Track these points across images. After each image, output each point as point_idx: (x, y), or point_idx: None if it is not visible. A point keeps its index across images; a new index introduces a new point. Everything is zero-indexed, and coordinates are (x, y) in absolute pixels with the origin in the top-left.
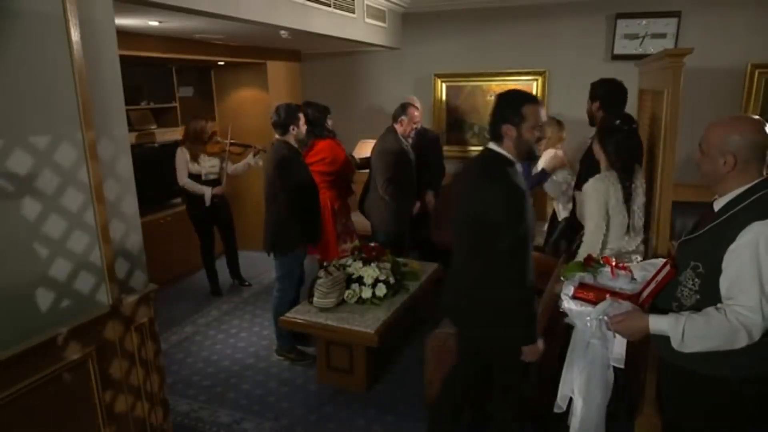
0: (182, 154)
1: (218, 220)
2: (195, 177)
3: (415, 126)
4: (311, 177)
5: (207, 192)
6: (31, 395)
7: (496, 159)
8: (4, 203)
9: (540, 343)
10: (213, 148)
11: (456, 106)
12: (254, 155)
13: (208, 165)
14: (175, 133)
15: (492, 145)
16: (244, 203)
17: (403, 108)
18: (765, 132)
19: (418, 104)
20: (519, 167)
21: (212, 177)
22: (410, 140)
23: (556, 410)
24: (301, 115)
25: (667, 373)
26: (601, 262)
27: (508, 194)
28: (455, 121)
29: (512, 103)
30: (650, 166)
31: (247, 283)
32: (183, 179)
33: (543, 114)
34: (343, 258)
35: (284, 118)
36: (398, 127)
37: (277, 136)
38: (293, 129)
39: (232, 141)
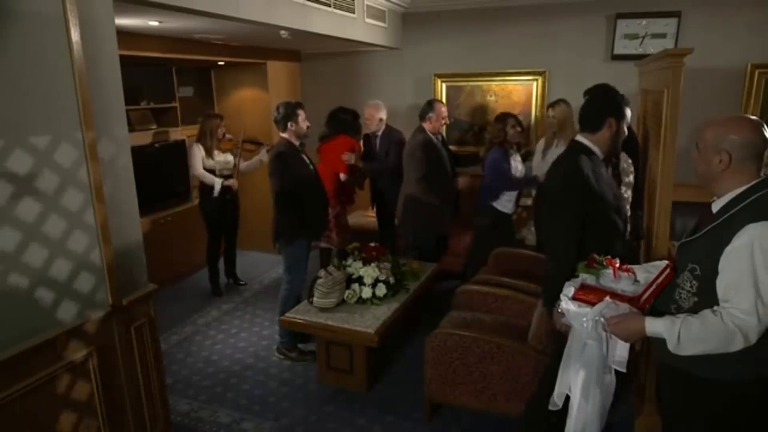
0: (197, 150)
1: (226, 218)
2: (210, 172)
3: (443, 122)
4: (311, 172)
5: (217, 183)
6: (31, 395)
7: (579, 149)
8: (4, 203)
9: (555, 319)
10: (226, 145)
11: (456, 106)
12: (267, 152)
13: (222, 160)
14: (175, 133)
15: (580, 137)
16: (248, 203)
17: (430, 104)
18: (762, 132)
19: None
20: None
21: (226, 173)
22: (440, 137)
23: (551, 407)
24: (301, 112)
25: (666, 375)
26: (605, 263)
27: (566, 176)
28: (455, 121)
29: (617, 99)
30: (650, 166)
31: (242, 282)
32: (198, 170)
33: None
34: (322, 244)
35: (282, 116)
36: (427, 125)
37: (279, 133)
38: (291, 125)
39: (245, 138)
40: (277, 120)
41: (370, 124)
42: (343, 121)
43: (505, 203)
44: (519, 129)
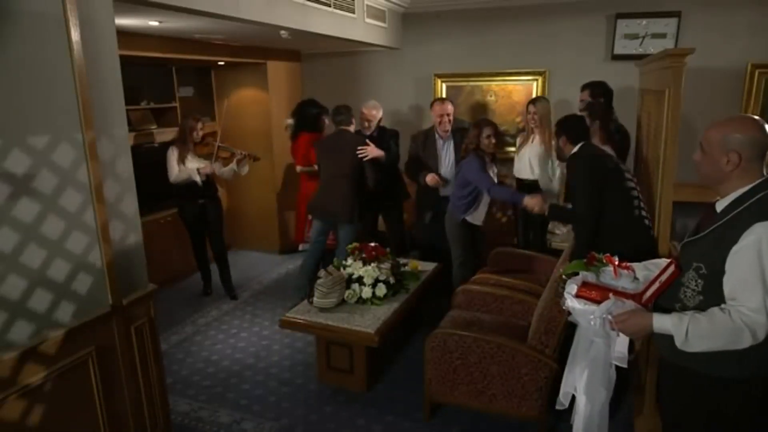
0: (172, 154)
1: (207, 223)
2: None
3: (439, 120)
4: None
5: (194, 174)
6: (31, 395)
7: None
8: (3, 203)
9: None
10: (202, 150)
11: (456, 106)
12: (237, 162)
13: (194, 167)
14: (175, 133)
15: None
16: (243, 204)
17: (431, 104)
18: (765, 130)
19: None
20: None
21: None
22: (444, 134)
23: (558, 407)
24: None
25: (669, 373)
26: (604, 261)
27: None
28: (454, 120)
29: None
30: (650, 166)
31: (234, 296)
32: (172, 176)
33: None
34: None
35: (348, 116)
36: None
37: (342, 127)
38: (353, 122)
39: (220, 144)
40: (343, 120)
41: (371, 125)
42: (304, 117)
43: (476, 216)
44: (493, 140)
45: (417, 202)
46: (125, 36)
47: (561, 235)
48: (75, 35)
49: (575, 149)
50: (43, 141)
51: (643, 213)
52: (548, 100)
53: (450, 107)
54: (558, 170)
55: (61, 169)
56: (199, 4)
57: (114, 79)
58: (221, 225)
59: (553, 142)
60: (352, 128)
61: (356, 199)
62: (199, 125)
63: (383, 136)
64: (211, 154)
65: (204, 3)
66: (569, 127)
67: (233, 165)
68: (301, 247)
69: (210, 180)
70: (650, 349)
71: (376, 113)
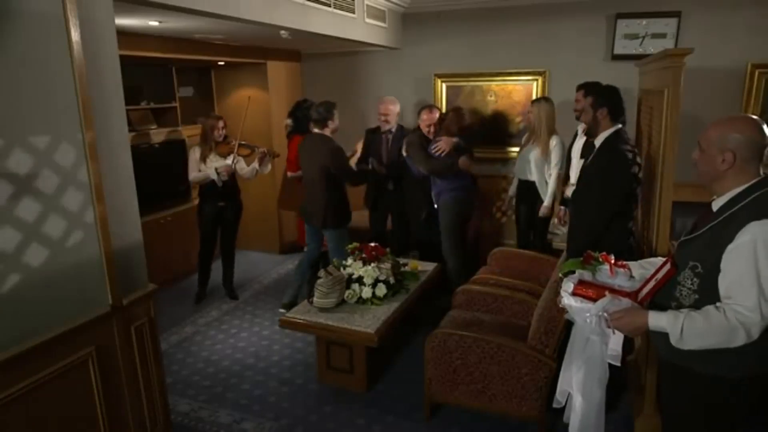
0: (194, 153)
1: (224, 221)
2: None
3: (427, 129)
4: None
5: (212, 173)
6: (31, 395)
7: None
8: (4, 203)
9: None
10: (223, 149)
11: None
12: (260, 161)
13: (214, 166)
14: (176, 133)
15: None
16: (247, 204)
17: (419, 112)
18: (764, 131)
19: (433, 111)
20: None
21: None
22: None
23: (554, 405)
24: (336, 112)
25: (666, 371)
26: (600, 259)
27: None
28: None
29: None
30: (650, 166)
31: (234, 295)
32: (191, 175)
33: None
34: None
35: (324, 115)
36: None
37: (316, 130)
38: (330, 123)
39: (241, 142)
40: (318, 120)
41: (390, 120)
42: (297, 119)
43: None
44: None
45: (411, 202)
46: (125, 36)
47: (561, 235)
48: (75, 35)
49: (611, 130)
50: (44, 141)
51: (633, 228)
52: (550, 101)
53: (437, 115)
54: (554, 172)
55: (61, 168)
56: (199, 4)
57: (114, 79)
58: (236, 227)
59: (584, 118)
60: (328, 131)
61: (330, 205)
62: (220, 124)
63: (399, 140)
64: (228, 153)
65: (204, 3)
66: (612, 99)
67: (255, 164)
68: (305, 249)
69: (232, 181)
70: (650, 349)
71: (392, 108)
